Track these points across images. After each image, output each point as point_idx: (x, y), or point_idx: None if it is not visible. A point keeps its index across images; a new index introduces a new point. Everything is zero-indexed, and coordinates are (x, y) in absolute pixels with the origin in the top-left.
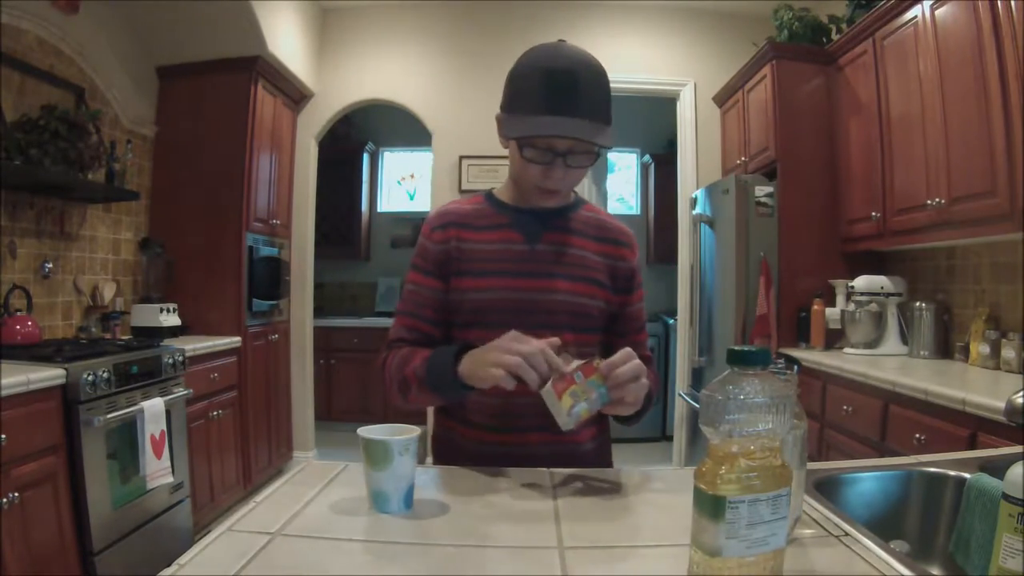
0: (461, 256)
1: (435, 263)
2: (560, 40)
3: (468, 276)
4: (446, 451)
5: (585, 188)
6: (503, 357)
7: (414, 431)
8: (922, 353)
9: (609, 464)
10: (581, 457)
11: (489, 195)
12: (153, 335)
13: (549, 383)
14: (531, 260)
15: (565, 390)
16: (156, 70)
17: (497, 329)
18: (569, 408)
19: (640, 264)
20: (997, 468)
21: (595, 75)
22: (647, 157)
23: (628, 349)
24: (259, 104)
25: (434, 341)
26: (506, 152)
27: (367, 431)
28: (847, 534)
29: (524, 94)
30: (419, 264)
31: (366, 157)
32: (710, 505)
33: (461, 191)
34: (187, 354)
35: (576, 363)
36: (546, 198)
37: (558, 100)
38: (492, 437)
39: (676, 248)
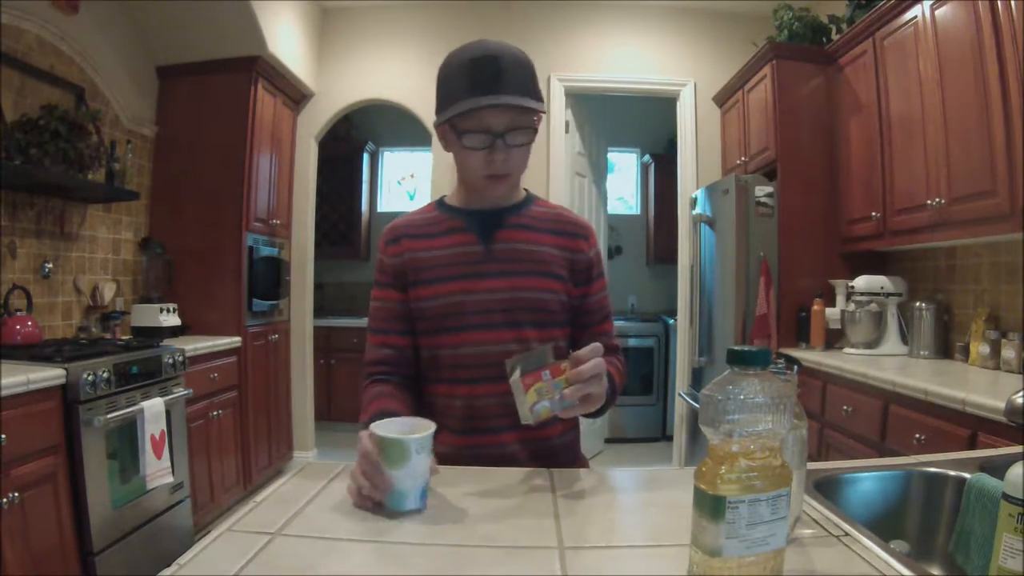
0: (416, 266)
1: (394, 275)
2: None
3: (425, 284)
4: None
5: (585, 188)
6: (352, 480)
7: (429, 427)
8: (922, 353)
9: (579, 456)
10: (553, 451)
11: (440, 202)
12: (153, 335)
13: (517, 373)
14: (487, 260)
15: (532, 385)
16: (156, 70)
17: (459, 333)
18: (532, 404)
19: (600, 254)
20: (997, 468)
21: (519, 59)
22: (647, 157)
23: (596, 345)
24: (259, 104)
25: (406, 353)
26: None
27: (381, 428)
28: (847, 534)
29: (451, 88)
30: (380, 279)
31: (366, 157)
32: (710, 505)
33: None
34: (187, 354)
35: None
36: (495, 186)
37: (484, 82)
38: (463, 440)
39: (676, 248)
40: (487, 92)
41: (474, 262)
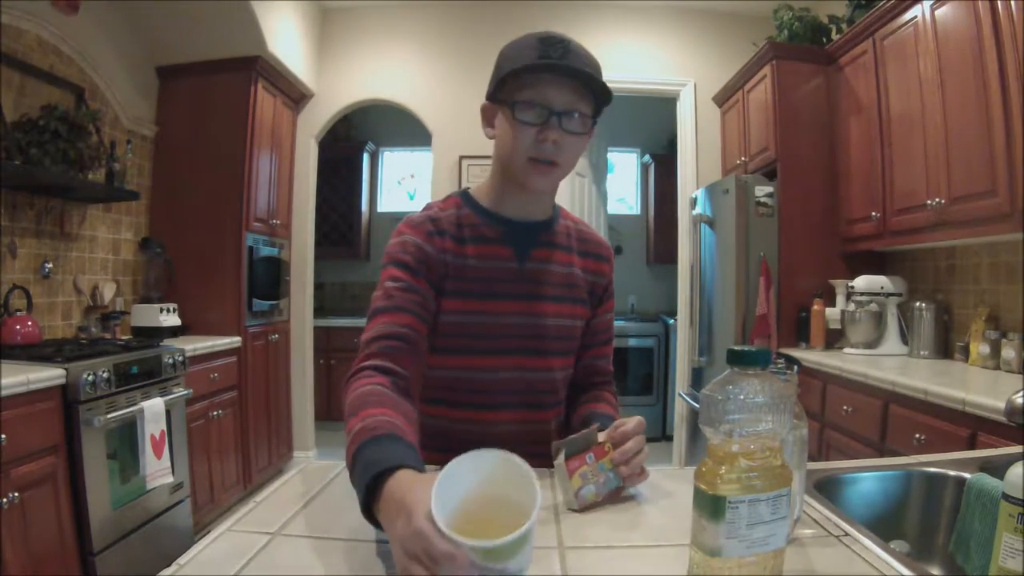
0: (453, 273)
1: (429, 268)
2: None
3: (455, 296)
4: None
5: (585, 188)
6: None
7: (534, 488)
8: (922, 353)
9: None
10: (548, 436)
11: (467, 198)
12: (153, 335)
13: (562, 457)
14: (520, 280)
15: (576, 470)
16: (156, 70)
17: (483, 356)
18: (577, 489)
19: (613, 274)
20: (997, 468)
21: (586, 49)
22: (647, 157)
23: (639, 419)
24: (259, 104)
25: (422, 346)
26: None
27: (442, 507)
28: (847, 534)
29: (515, 58)
30: (410, 263)
31: (366, 157)
32: (710, 505)
33: None
34: (187, 354)
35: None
36: (539, 174)
37: (553, 55)
38: (459, 414)
39: (676, 248)
40: (557, 66)
41: (507, 281)
